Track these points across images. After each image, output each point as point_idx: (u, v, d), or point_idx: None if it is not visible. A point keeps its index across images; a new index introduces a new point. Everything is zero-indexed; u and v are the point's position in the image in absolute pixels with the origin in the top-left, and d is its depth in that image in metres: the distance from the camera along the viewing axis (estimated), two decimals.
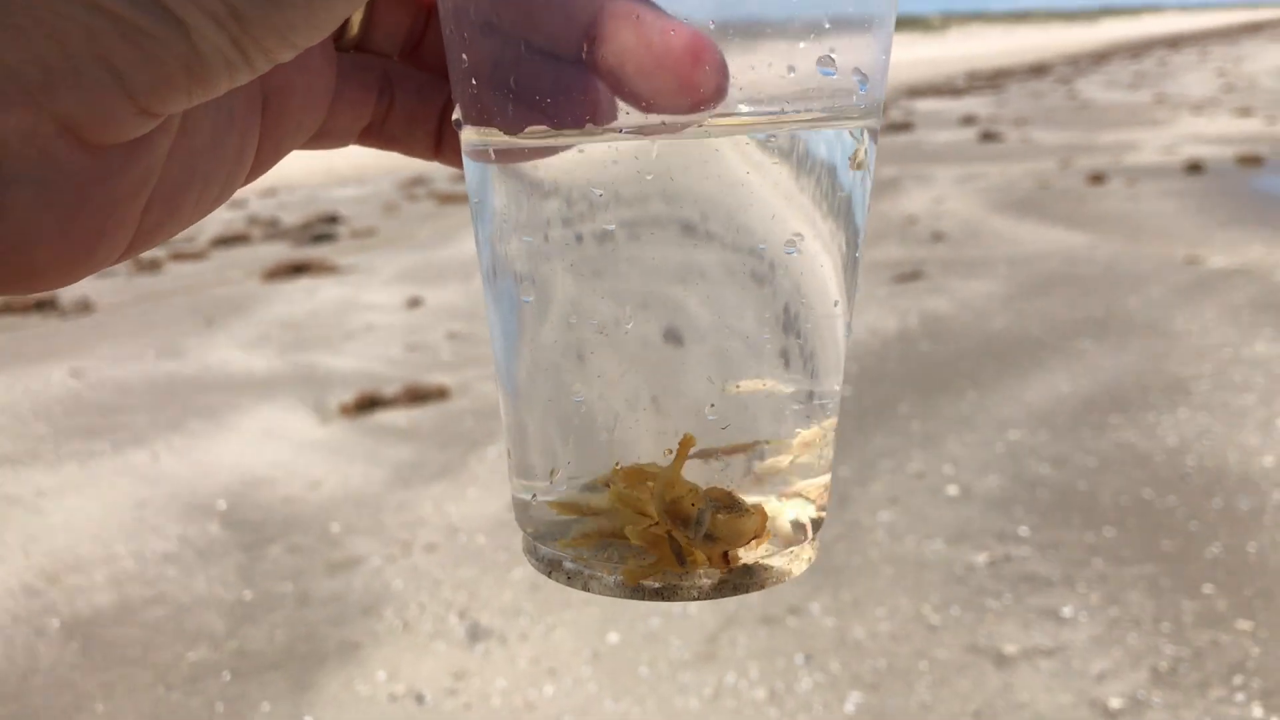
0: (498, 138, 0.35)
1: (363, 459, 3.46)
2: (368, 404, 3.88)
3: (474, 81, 0.34)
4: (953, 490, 2.98)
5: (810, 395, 0.37)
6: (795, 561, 0.39)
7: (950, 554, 2.66)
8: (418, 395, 3.93)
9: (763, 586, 0.37)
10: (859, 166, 0.37)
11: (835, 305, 0.37)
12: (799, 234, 0.35)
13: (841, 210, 0.37)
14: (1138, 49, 35.23)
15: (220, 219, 8.79)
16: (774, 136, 0.34)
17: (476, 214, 0.38)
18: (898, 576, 2.58)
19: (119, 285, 6.36)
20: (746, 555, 0.37)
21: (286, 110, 0.34)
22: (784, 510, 0.38)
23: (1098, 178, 8.00)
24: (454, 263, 6.44)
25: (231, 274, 6.53)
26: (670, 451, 0.35)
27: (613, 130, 0.33)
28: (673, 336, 0.35)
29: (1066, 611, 2.40)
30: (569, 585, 0.38)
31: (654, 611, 2.48)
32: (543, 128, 0.34)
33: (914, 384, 3.80)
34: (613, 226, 0.34)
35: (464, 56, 0.34)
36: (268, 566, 2.82)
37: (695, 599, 0.36)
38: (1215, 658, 2.21)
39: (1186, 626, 2.32)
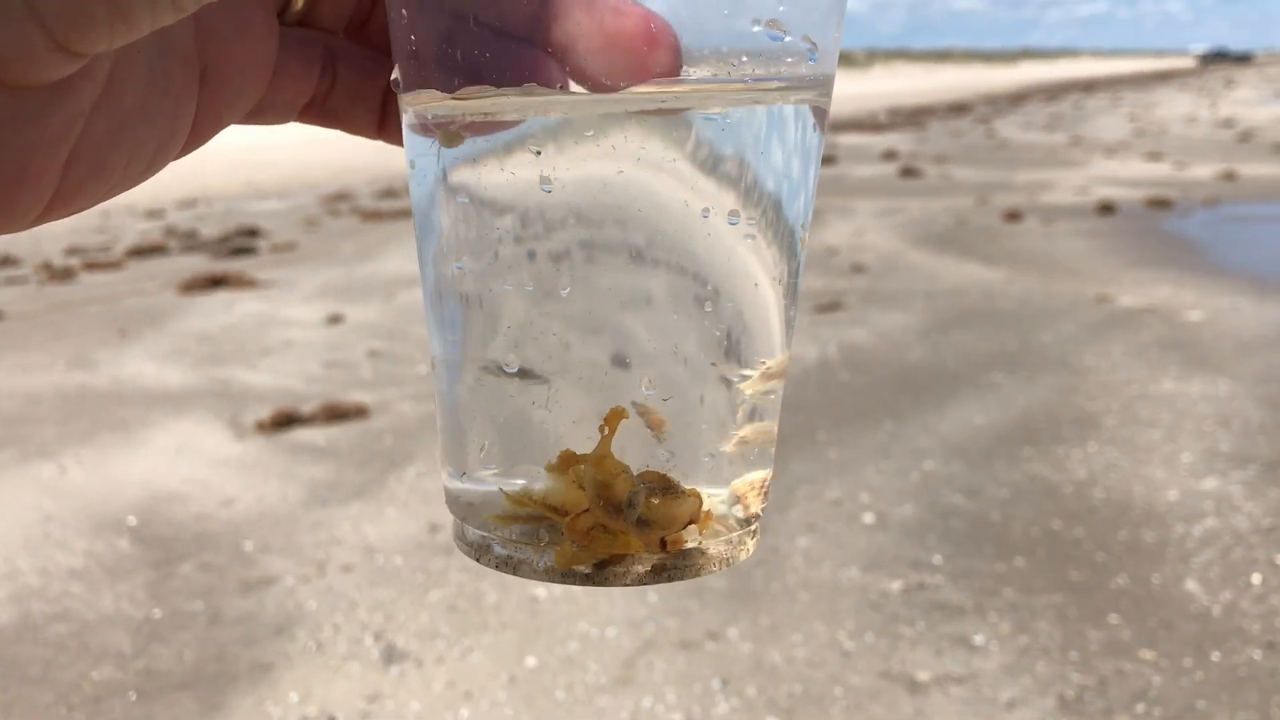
0: (438, 102, 0.34)
1: (278, 477, 3.40)
2: (285, 421, 3.83)
3: (414, 49, 0.34)
4: (869, 518, 3.02)
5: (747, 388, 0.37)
6: (734, 549, 0.38)
7: (866, 581, 2.70)
8: (336, 413, 3.89)
9: (699, 573, 0.37)
10: (805, 145, 0.37)
11: (757, 287, 0.36)
12: (734, 211, 0.35)
13: (782, 192, 0.36)
14: (1054, 92, 36.22)
15: (137, 229, 8.62)
16: (718, 112, 0.34)
17: (413, 181, 0.37)
18: (814, 602, 2.61)
19: (30, 294, 6.20)
20: (680, 541, 0.36)
21: (226, 80, 0.33)
22: (722, 498, 0.37)
23: (1014, 215, 8.19)
24: (376, 280, 6.39)
25: (147, 285, 6.40)
26: (603, 430, 0.35)
27: (552, 93, 0.33)
28: (604, 316, 0.35)
29: (978, 639, 2.44)
30: (499, 570, 0.37)
31: (571, 636, 2.48)
32: (482, 88, 0.33)
33: (832, 413, 3.85)
34: (548, 188, 0.34)
35: (407, 23, 0.34)
36: (178, 584, 2.76)
37: (628, 584, 0.36)
38: (1119, 686, 2.27)
39: (1093, 655, 2.37)
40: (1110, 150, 14.01)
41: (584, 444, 0.35)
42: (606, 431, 0.35)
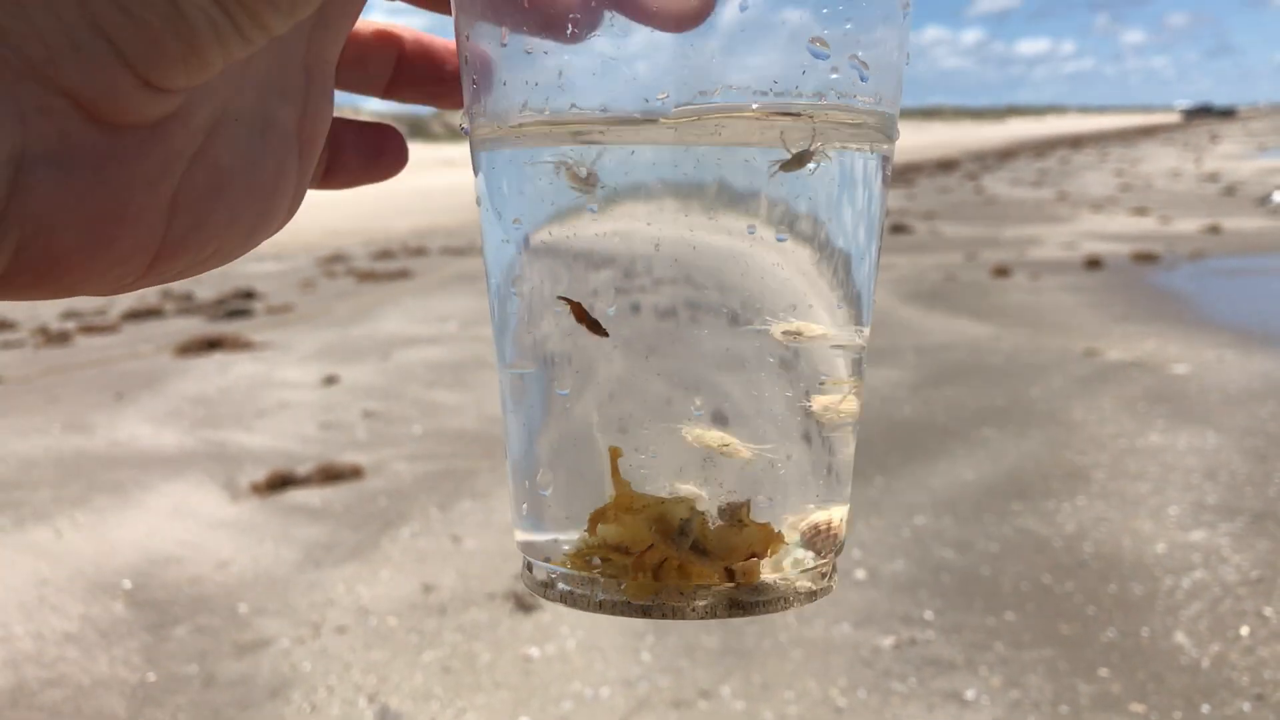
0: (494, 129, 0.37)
1: (273, 538, 3.42)
2: (279, 483, 3.85)
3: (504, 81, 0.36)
4: (860, 574, 3.04)
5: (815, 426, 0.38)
6: (810, 584, 0.39)
7: (858, 637, 2.71)
8: (331, 474, 3.91)
9: (770, 609, 0.37)
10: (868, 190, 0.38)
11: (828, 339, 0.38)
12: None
13: (851, 242, 0.37)
14: (1042, 148, 36.58)
15: (133, 292, 8.66)
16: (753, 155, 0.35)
17: (499, 234, 0.39)
18: (806, 660, 2.62)
19: (26, 357, 6.23)
20: (752, 574, 0.37)
21: (313, 157, 0.36)
22: (796, 536, 0.38)
23: (1002, 271, 8.27)
24: (371, 341, 6.43)
25: (143, 348, 6.44)
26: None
27: (605, 120, 0.35)
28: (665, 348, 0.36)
29: (969, 694, 2.46)
30: (562, 603, 0.38)
31: (565, 695, 2.49)
32: (536, 115, 0.36)
33: None
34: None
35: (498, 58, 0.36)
36: (173, 647, 2.77)
37: (693, 618, 0.36)
38: None
39: (1083, 709, 2.39)
40: (1097, 205, 14.15)
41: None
42: (610, 469, 0.36)
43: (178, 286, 8.88)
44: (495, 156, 0.39)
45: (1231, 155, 28.17)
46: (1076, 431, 4.24)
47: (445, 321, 7.02)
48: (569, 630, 2.76)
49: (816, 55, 0.34)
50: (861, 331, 0.39)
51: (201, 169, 0.31)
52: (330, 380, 5.41)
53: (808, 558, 0.39)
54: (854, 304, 0.38)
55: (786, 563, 0.38)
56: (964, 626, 2.75)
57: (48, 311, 7.69)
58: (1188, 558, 3.08)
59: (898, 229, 11.29)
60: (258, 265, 10.26)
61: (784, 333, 0.36)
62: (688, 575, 0.36)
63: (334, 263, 10.29)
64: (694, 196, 0.35)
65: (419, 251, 11.09)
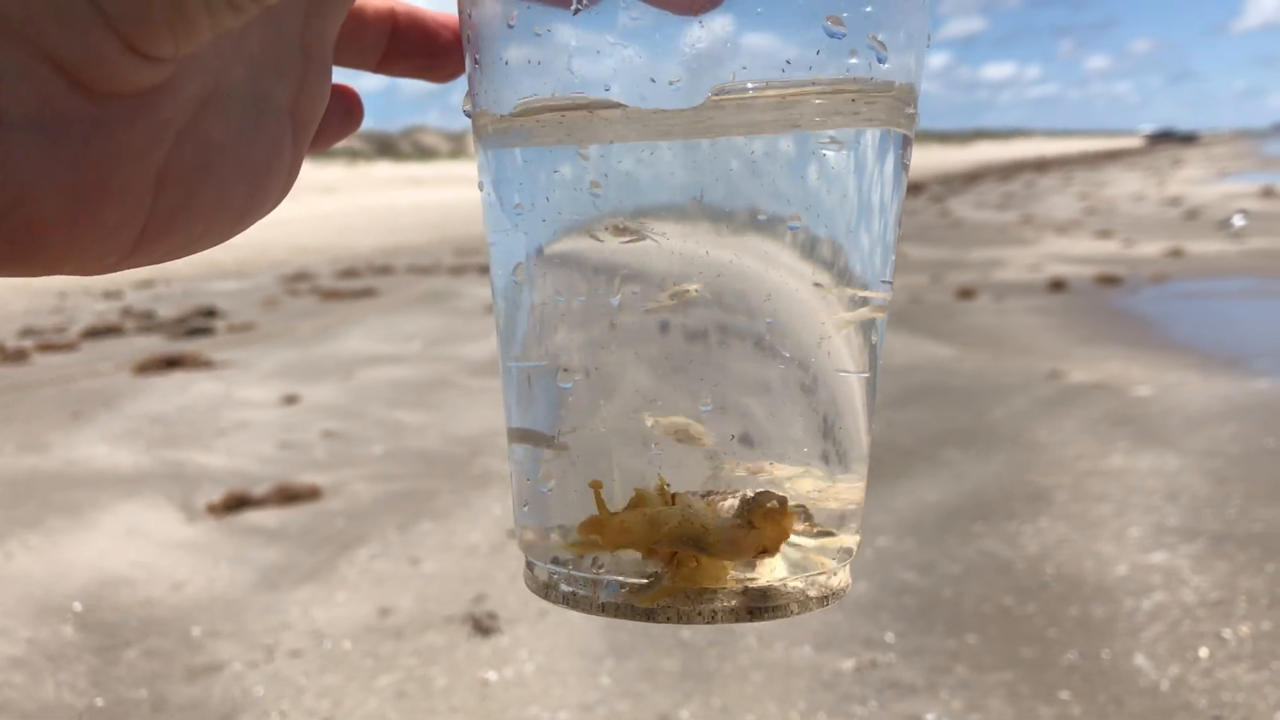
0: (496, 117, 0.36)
1: (229, 560, 3.37)
2: (236, 503, 3.79)
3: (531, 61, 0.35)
4: None
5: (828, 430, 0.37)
6: (821, 588, 0.37)
7: (818, 660, 2.69)
8: (289, 495, 3.86)
9: (782, 614, 0.36)
10: (886, 173, 0.37)
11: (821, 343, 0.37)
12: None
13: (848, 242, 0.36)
14: (1007, 171, 36.95)
15: (93, 310, 8.58)
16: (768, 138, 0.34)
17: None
18: (767, 683, 2.60)
19: None
20: (758, 573, 0.35)
21: (306, 138, 0.35)
22: (808, 535, 0.37)
23: (967, 293, 8.32)
24: (333, 360, 6.38)
25: (102, 366, 6.35)
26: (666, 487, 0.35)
27: (611, 106, 0.34)
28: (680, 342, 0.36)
29: (930, 717, 2.44)
30: (565, 605, 0.37)
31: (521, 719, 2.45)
32: (540, 99, 0.35)
33: None
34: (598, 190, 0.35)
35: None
36: (122, 671, 2.71)
37: (699, 622, 0.35)
38: None
39: None
40: (1061, 228, 14.29)
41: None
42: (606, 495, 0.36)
43: (139, 304, 8.79)
44: (497, 139, 0.38)
45: (1194, 180, 28.54)
46: (1039, 453, 4.25)
47: (410, 341, 6.98)
48: (527, 654, 2.73)
49: (832, 35, 0.33)
50: (883, 285, 0.39)
51: (191, 144, 0.30)
52: (291, 400, 5.36)
53: (821, 559, 0.38)
54: (882, 257, 0.38)
55: (798, 564, 0.37)
56: (925, 649, 2.74)
57: (4, 329, 7.59)
58: (1148, 580, 3.08)
59: None
60: (220, 283, 10.19)
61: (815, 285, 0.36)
62: (695, 576, 0.35)
63: (298, 281, 10.22)
64: (707, 185, 0.35)
65: (384, 270, 11.03)
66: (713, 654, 2.72)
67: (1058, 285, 8.64)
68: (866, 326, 0.38)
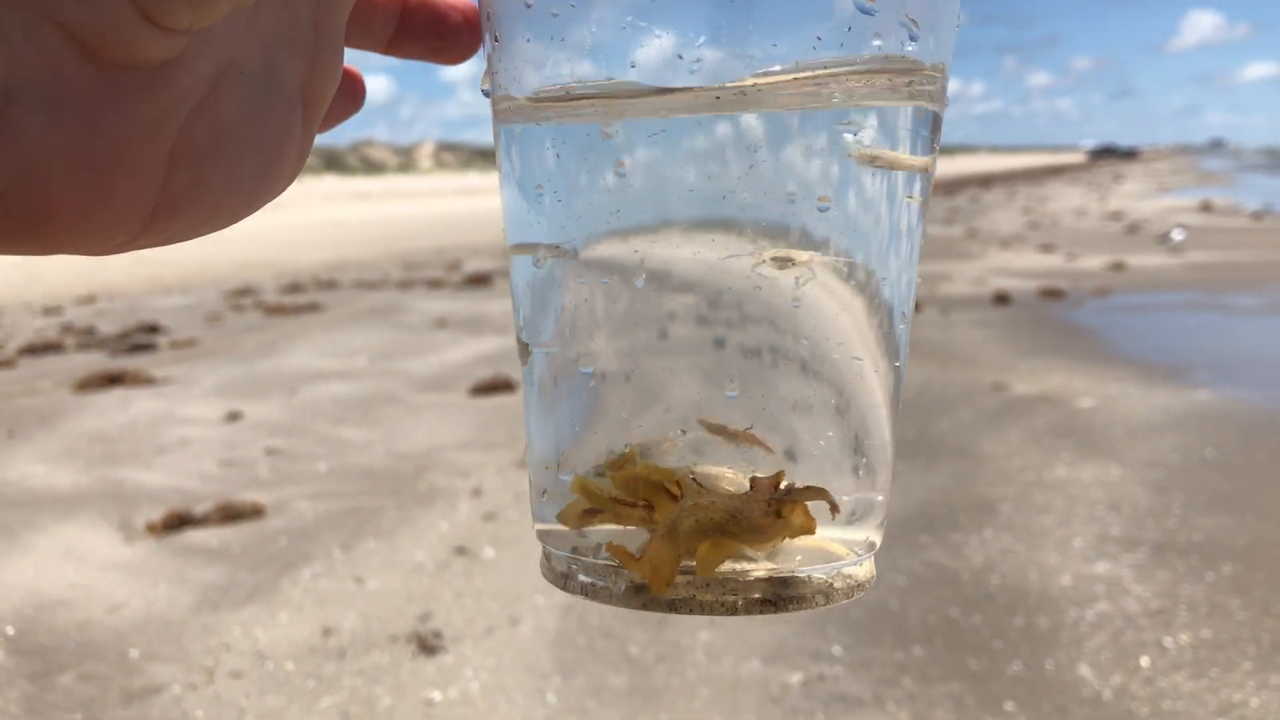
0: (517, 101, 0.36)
1: (168, 580, 3.30)
2: (176, 522, 3.72)
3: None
4: None
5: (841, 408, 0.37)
6: (849, 578, 0.37)
7: (766, 674, 2.69)
8: (230, 514, 3.80)
9: (807, 605, 0.35)
10: (914, 157, 0.36)
11: (857, 360, 0.37)
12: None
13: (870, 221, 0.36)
14: (952, 187, 37.38)
15: (33, 326, 8.42)
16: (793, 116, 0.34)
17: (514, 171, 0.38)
18: (715, 698, 2.59)
19: None
20: (781, 564, 0.35)
21: (315, 118, 0.35)
22: (834, 522, 0.36)
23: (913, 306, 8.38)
24: (277, 376, 6.30)
25: (40, 384, 6.23)
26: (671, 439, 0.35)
27: (638, 91, 0.34)
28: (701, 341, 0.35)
29: None
30: (582, 596, 0.37)
31: None
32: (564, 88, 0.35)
33: None
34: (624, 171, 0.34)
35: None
36: (56, 697, 2.65)
37: (721, 614, 0.34)
38: None
39: None
40: (1005, 243, 14.47)
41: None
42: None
43: (80, 321, 8.64)
44: (516, 120, 0.37)
45: (1134, 194, 29.05)
46: (984, 464, 4.29)
47: (354, 356, 6.91)
48: (473, 673, 2.70)
49: (864, 11, 0.33)
50: (912, 279, 0.39)
51: (203, 121, 0.29)
52: (233, 416, 5.28)
53: (848, 548, 0.37)
54: (906, 240, 0.37)
55: (823, 556, 0.36)
56: (872, 661, 2.74)
57: None
58: (1091, 589, 3.11)
59: None
60: (163, 299, 10.04)
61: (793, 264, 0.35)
62: (712, 566, 0.35)
63: (242, 296, 10.10)
64: (728, 161, 0.34)
65: (330, 285, 10.93)
66: (660, 670, 2.70)
67: (1002, 299, 8.74)
68: (892, 328, 0.38)
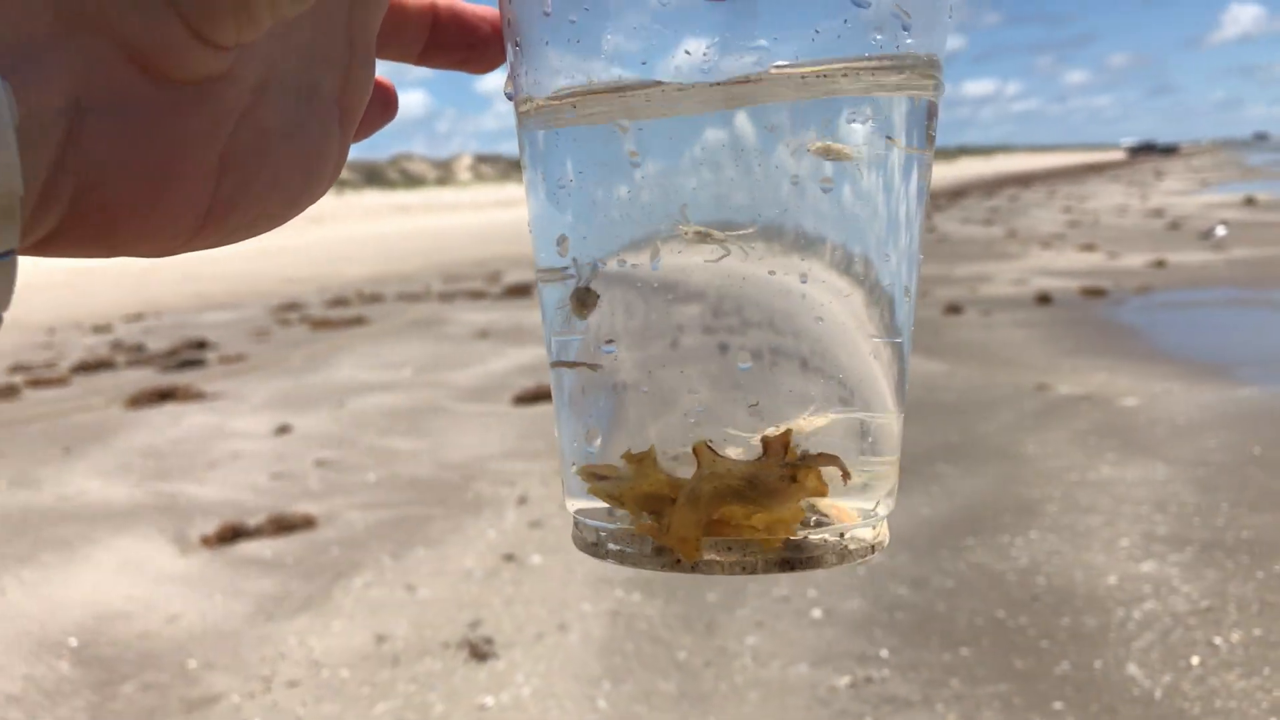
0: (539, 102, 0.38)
1: (223, 591, 3.37)
2: (230, 535, 3.80)
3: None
4: (817, 613, 3.04)
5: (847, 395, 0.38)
6: (863, 539, 0.39)
7: (815, 677, 2.71)
8: (283, 525, 3.86)
9: (823, 564, 0.37)
10: (910, 146, 0.38)
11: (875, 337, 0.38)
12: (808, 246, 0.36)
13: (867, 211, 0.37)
14: (991, 187, 37.12)
15: (84, 344, 8.57)
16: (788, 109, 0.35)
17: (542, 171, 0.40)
18: (763, 701, 2.61)
19: None
20: (794, 528, 0.37)
21: (351, 125, 0.37)
22: (847, 483, 0.38)
23: (954, 308, 8.36)
24: (324, 389, 6.39)
25: (93, 401, 6.35)
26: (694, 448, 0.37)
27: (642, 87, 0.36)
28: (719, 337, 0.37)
29: None
30: (611, 561, 0.38)
31: None
32: (576, 85, 0.37)
33: None
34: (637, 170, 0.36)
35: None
36: (119, 706, 2.72)
37: (740, 574, 0.36)
38: None
39: None
40: (1046, 242, 14.37)
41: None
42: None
43: (129, 338, 8.79)
44: (538, 122, 0.39)
45: (1175, 191, 28.74)
46: (1028, 466, 4.28)
47: (400, 368, 6.99)
48: (524, 678, 2.74)
49: (859, 4, 0.34)
50: (914, 264, 0.40)
51: (249, 130, 0.32)
52: (283, 430, 5.36)
53: (860, 513, 0.39)
54: (909, 233, 0.39)
55: (835, 518, 0.38)
56: (920, 663, 2.75)
57: None
58: (1139, 589, 3.11)
59: None
60: (211, 315, 10.19)
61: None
62: (732, 529, 0.36)
63: (288, 311, 10.23)
64: (739, 155, 0.36)
65: (374, 298, 11.05)
66: (709, 674, 2.73)
67: (1044, 299, 8.69)
68: (894, 309, 0.39)
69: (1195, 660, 2.69)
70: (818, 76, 0.35)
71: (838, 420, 0.38)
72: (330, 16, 0.34)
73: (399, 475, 4.54)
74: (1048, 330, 7.37)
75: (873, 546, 0.39)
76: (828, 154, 0.36)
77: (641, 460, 0.38)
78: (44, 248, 0.29)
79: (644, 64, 0.36)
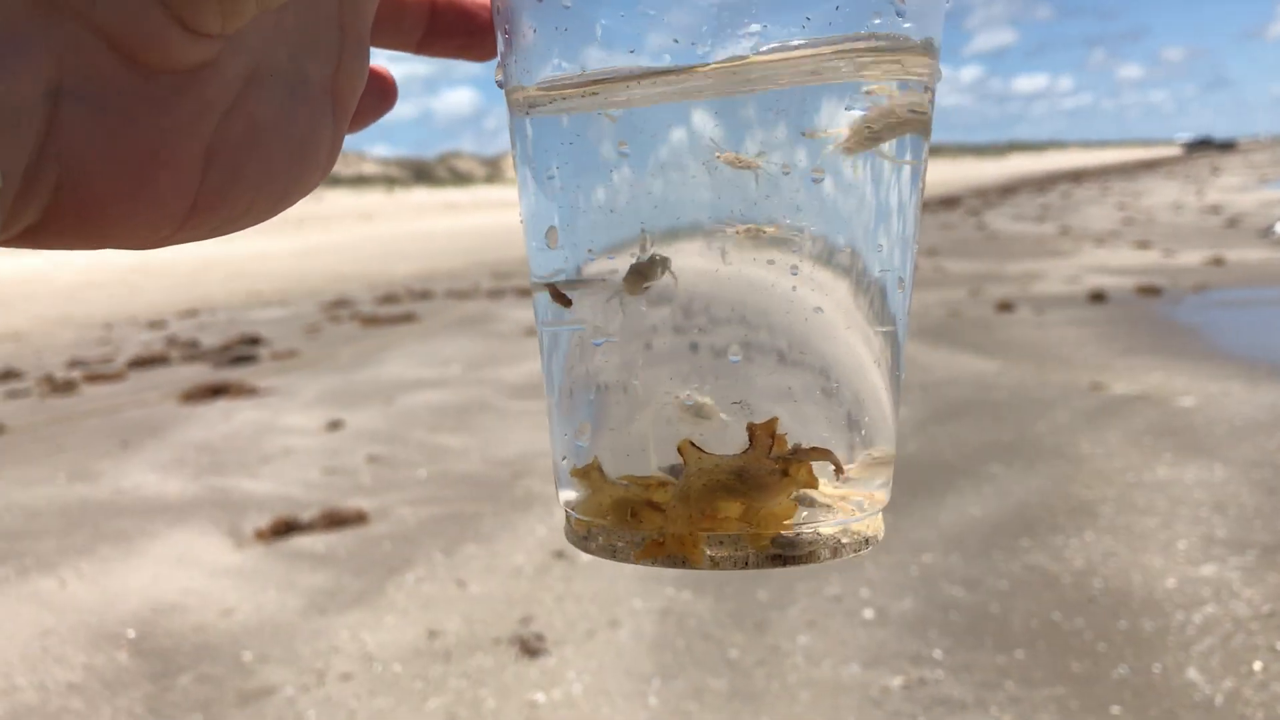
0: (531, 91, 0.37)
1: (277, 585, 3.40)
2: (284, 529, 3.84)
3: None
4: (869, 613, 3.02)
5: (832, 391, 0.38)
6: (856, 533, 0.38)
7: (866, 678, 2.69)
8: (335, 520, 3.90)
9: (813, 559, 0.37)
10: (896, 128, 0.37)
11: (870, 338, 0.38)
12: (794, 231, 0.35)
13: (859, 206, 0.37)
14: (1043, 183, 36.69)
15: (139, 340, 8.70)
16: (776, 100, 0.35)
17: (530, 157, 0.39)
18: (815, 701, 2.59)
19: (31, 406, 6.23)
20: (787, 521, 0.36)
21: (346, 117, 0.37)
22: (840, 476, 0.37)
23: (1006, 306, 8.27)
24: (375, 385, 6.43)
25: (148, 396, 6.44)
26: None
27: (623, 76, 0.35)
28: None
29: None
30: (602, 556, 0.38)
31: None
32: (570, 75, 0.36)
33: None
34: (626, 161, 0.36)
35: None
36: (176, 697, 2.75)
37: (730, 569, 0.36)
38: None
39: None
40: (1099, 239, 14.18)
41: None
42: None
43: (183, 334, 8.90)
44: (527, 110, 0.39)
45: (1233, 187, 28.24)
46: (1083, 466, 4.22)
47: (449, 365, 7.03)
48: (575, 675, 2.74)
49: None
50: (907, 255, 0.39)
51: (237, 121, 0.31)
52: (334, 425, 5.41)
53: (853, 505, 0.38)
54: (901, 221, 0.38)
55: (829, 511, 0.37)
56: (974, 665, 2.72)
57: (53, 360, 7.72)
58: (1198, 592, 3.05)
59: None
60: (262, 311, 10.30)
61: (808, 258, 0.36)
62: (720, 522, 0.36)
63: (338, 307, 10.31)
64: (732, 142, 0.35)
65: (423, 295, 11.12)
66: (760, 673, 2.72)
67: (1097, 297, 8.58)
68: (886, 299, 0.38)
69: (1258, 666, 2.64)
70: (811, 62, 0.34)
71: (834, 417, 0.37)
72: (320, 6, 0.34)
73: (449, 471, 4.56)
74: (1102, 329, 7.27)
75: (867, 540, 0.39)
76: (816, 140, 0.35)
77: (587, 474, 0.38)
78: (27, 240, 0.29)
79: (632, 52, 0.35)
